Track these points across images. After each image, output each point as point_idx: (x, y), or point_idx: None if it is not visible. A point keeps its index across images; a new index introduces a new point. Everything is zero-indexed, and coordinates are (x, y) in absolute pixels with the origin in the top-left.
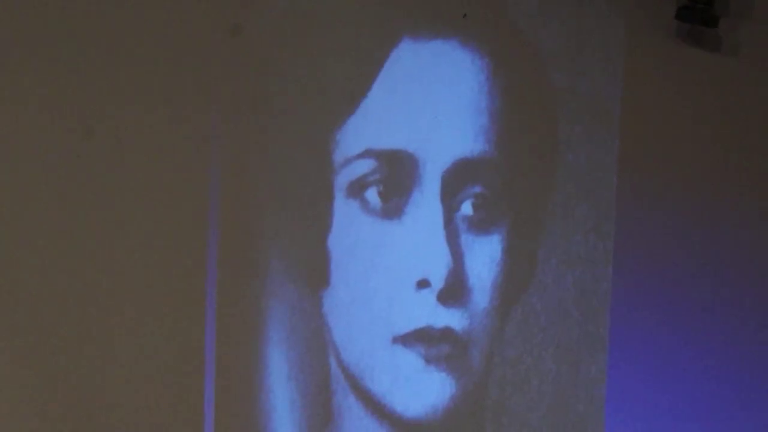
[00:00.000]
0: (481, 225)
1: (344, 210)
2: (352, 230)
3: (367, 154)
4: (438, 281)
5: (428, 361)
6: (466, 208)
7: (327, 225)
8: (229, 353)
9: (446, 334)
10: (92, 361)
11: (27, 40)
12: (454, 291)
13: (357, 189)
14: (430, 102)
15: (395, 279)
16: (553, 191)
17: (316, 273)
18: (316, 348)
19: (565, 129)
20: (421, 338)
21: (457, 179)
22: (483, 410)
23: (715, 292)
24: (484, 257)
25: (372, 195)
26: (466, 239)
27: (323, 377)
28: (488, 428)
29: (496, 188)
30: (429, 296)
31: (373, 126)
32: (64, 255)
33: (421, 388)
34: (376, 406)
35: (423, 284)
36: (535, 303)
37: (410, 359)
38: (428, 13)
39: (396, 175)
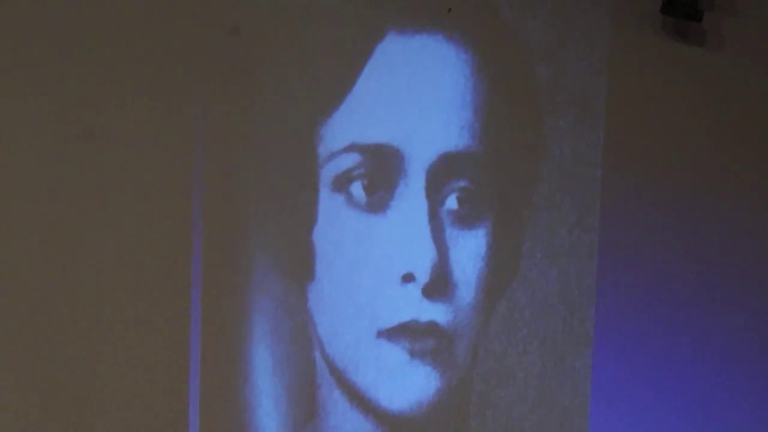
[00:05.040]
0: (466, 219)
1: (329, 204)
2: (337, 224)
3: (352, 148)
4: (423, 275)
5: (413, 355)
6: (451, 203)
7: (312, 219)
8: (214, 347)
9: (431, 328)
10: (76, 357)
11: (24, 35)
12: (439, 285)
13: (342, 183)
14: (415, 96)
15: (380, 273)
16: (537, 185)
17: (301, 267)
18: (301, 342)
19: (550, 123)
20: (406, 332)
21: (442, 173)
22: (468, 404)
23: (699, 285)
24: (469, 251)
25: (357, 189)
26: (451, 233)
27: (308, 371)
28: (473, 422)
29: (481, 182)
30: (414, 290)
31: (358, 120)
32: (49, 247)
33: (406, 382)
34: (360, 400)
35: (408, 278)
36: (520, 297)
37: (395, 353)
38: (413, 7)
39: (381, 170)
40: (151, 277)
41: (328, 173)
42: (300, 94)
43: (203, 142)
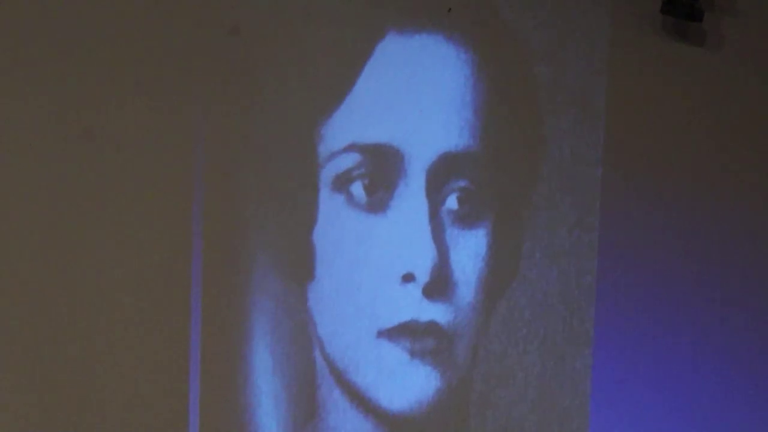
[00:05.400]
0: (466, 219)
1: (329, 204)
2: (338, 224)
3: (352, 148)
4: (423, 275)
5: (413, 355)
6: (451, 203)
7: (312, 219)
8: (214, 346)
9: (431, 328)
10: (76, 357)
11: (24, 35)
12: (439, 285)
13: (342, 183)
14: (415, 96)
15: (380, 273)
16: (537, 185)
17: (302, 266)
18: (301, 342)
19: (550, 123)
20: (406, 332)
21: (442, 173)
22: (468, 404)
23: (699, 285)
24: (469, 251)
25: (357, 189)
26: (452, 233)
27: (308, 371)
28: (473, 422)
29: (481, 182)
30: (414, 290)
31: (358, 120)
32: (49, 247)
33: (406, 382)
34: (361, 400)
35: (408, 278)
36: (520, 297)
37: (395, 353)
38: (413, 7)
39: (381, 169)
40: (151, 277)
41: (328, 173)
42: (300, 94)
43: (203, 142)
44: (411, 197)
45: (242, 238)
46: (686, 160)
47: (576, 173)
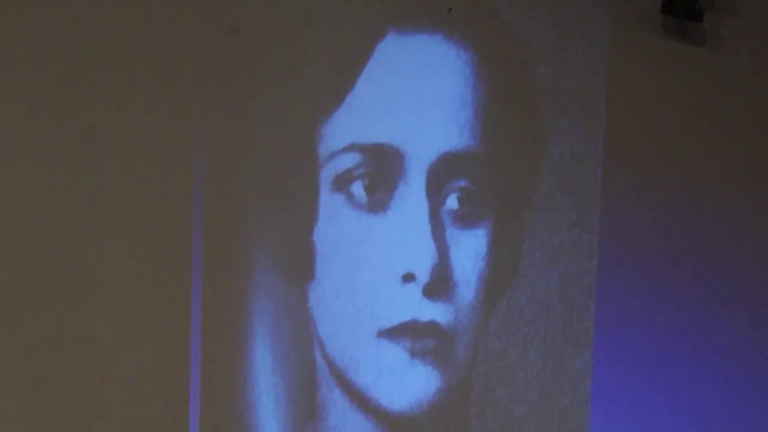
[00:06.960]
0: (466, 219)
1: (330, 204)
2: (338, 224)
3: (352, 148)
4: (423, 275)
5: (413, 354)
6: (452, 202)
7: (312, 219)
8: (214, 346)
9: (431, 328)
10: (76, 357)
11: (24, 35)
12: (440, 285)
13: (342, 183)
14: (415, 96)
15: (380, 273)
16: (537, 185)
17: (302, 266)
18: (301, 341)
19: (549, 122)
20: (407, 332)
21: (442, 173)
22: (468, 404)
23: (699, 285)
24: (469, 251)
25: (357, 189)
26: (452, 233)
27: (308, 371)
28: (473, 422)
29: (481, 182)
30: (414, 290)
31: (358, 120)
32: (49, 247)
33: (406, 381)
34: (361, 400)
35: (408, 278)
36: (520, 297)
37: (395, 353)
38: (413, 7)
39: (381, 169)
40: (151, 277)
41: (328, 173)
42: (300, 94)
43: (203, 142)
44: (411, 197)
45: (242, 238)
46: (686, 160)
47: (576, 173)
